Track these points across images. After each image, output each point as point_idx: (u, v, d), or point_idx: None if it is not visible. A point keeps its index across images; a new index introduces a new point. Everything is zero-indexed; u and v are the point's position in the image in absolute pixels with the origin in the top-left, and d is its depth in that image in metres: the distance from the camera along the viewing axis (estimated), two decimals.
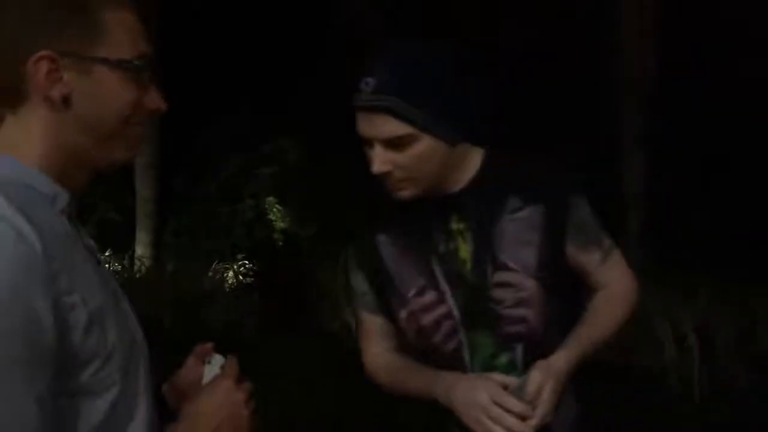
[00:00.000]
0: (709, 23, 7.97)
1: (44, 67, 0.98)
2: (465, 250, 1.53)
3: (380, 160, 1.46)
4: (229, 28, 9.98)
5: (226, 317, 7.13)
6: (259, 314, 7.13)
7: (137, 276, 8.83)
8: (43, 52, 0.98)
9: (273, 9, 9.81)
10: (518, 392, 1.42)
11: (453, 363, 1.54)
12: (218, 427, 1.10)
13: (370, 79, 1.42)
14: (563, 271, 1.54)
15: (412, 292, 1.56)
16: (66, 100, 1.00)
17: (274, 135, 9.80)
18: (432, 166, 1.47)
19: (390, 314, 1.61)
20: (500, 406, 1.41)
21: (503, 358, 1.52)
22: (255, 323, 6.98)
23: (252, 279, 8.48)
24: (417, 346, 1.59)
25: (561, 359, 1.47)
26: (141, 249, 9.51)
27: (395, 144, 1.44)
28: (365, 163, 1.50)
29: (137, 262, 9.35)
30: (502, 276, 1.51)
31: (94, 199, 10.10)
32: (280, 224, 10.32)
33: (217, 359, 1.20)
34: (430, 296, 1.55)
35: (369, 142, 1.47)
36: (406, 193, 1.50)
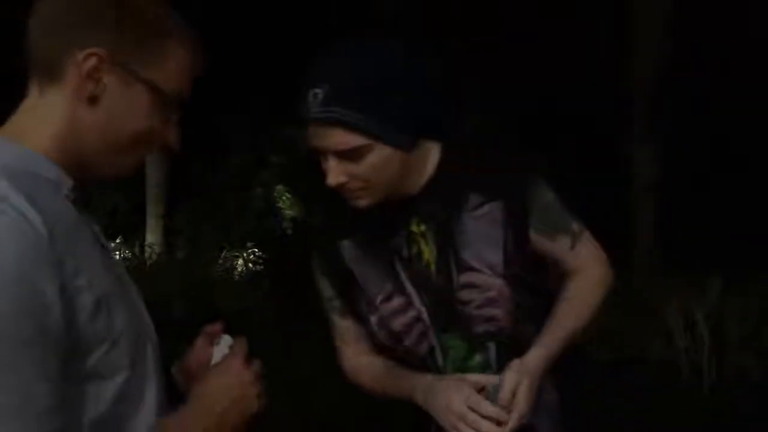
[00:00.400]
0: (722, 15, 7.92)
1: (91, 62, 1.00)
2: (428, 252, 1.50)
3: (335, 173, 1.41)
4: (242, 15, 9.97)
5: (236, 305, 7.15)
6: (269, 301, 7.15)
7: (148, 264, 8.88)
8: (97, 50, 1.00)
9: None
10: (494, 394, 1.41)
11: (426, 365, 1.52)
12: (227, 408, 1.10)
13: (317, 90, 1.36)
14: (531, 264, 1.51)
15: (380, 298, 1.53)
16: (93, 100, 1.01)
17: (285, 124, 9.81)
18: (389, 173, 1.43)
19: (360, 317, 1.58)
20: (475, 411, 1.39)
21: (476, 358, 1.50)
22: (265, 310, 7.01)
23: (261, 267, 8.50)
24: (389, 349, 1.56)
25: (535, 357, 1.45)
26: (151, 236, 9.55)
27: (349, 155, 1.39)
28: None
29: (147, 250, 9.40)
30: (467, 277, 1.48)
31: (105, 188, 10.14)
32: (289, 213, 10.34)
33: (226, 340, 1.20)
34: (398, 301, 1.52)
35: (322, 154, 1.42)
36: (364, 202, 1.46)
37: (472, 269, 1.48)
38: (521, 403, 1.40)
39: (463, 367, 1.50)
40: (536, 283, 1.53)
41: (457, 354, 1.51)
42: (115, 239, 10.16)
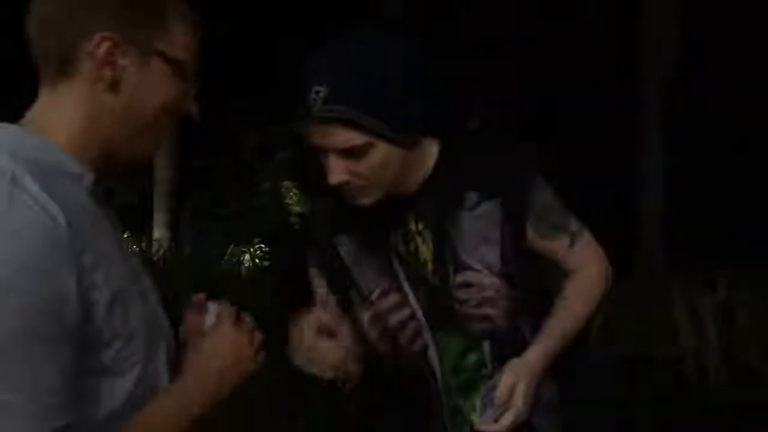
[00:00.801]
0: (732, 11, 7.89)
1: (104, 47, 1.00)
2: (425, 250, 1.51)
3: (337, 171, 1.41)
4: (249, 8, 9.97)
5: (243, 300, 7.15)
6: (276, 297, 7.15)
7: (155, 259, 8.89)
8: (107, 34, 1.00)
9: None
10: (490, 394, 1.41)
11: (420, 364, 1.53)
12: (223, 369, 1.12)
13: (320, 89, 1.36)
14: (529, 263, 1.52)
15: (375, 294, 1.54)
16: (114, 85, 1.01)
17: (290, 118, 9.78)
18: (390, 171, 1.43)
19: (353, 316, 1.57)
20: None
21: (471, 357, 1.50)
22: (272, 305, 7.01)
23: (268, 262, 8.50)
24: (380, 349, 1.56)
25: (533, 356, 1.45)
26: (158, 231, 9.57)
27: (351, 153, 1.40)
28: None
29: (155, 245, 9.42)
30: (464, 276, 1.48)
31: (113, 183, 10.16)
32: (296, 208, 10.34)
33: (212, 307, 1.21)
34: (393, 298, 1.53)
35: (323, 152, 1.43)
36: (365, 201, 1.46)
37: (469, 268, 1.48)
38: (518, 403, 1.40)
39: (457, 366, 1.51)
40: (533, 282, 1.53)
41: (453, 352, 1.51)
42: (123, 234, 10.16)
